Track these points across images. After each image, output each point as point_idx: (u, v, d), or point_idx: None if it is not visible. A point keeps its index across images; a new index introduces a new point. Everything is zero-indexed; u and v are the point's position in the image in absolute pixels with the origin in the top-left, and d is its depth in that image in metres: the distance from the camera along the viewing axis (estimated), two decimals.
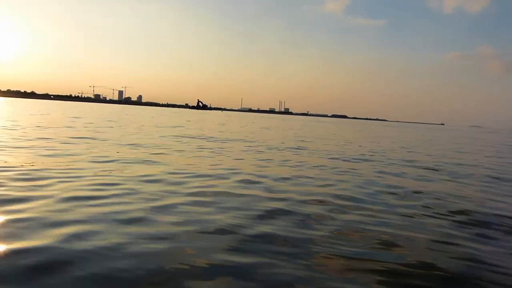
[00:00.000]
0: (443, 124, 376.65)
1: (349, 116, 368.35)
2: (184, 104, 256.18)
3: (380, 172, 8.24)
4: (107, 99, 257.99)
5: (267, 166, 8.03)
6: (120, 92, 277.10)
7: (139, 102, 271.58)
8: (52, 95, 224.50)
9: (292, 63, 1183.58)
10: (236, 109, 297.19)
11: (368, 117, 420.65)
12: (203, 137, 15.14)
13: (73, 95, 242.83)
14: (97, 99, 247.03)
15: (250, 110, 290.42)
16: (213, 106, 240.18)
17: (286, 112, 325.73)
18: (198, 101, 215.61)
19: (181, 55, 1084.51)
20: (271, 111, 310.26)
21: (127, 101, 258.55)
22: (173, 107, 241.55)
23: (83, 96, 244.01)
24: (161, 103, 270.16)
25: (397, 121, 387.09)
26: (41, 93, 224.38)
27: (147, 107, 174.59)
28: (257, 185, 5.93)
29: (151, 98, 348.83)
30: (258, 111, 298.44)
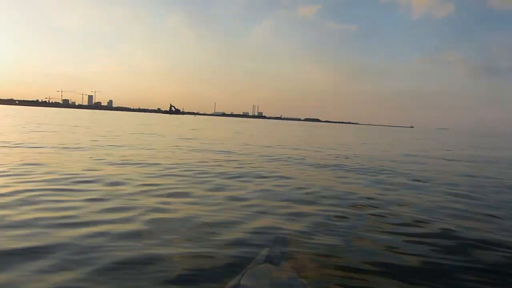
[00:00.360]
0: (413, 127, 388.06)
1: (322, 119, 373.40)
2: (156, 108, 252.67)
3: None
4: (76, 104, 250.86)
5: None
6: (90, 97, 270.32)
7: (109, 107, 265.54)
8: (17, 100, 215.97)
9: (266, 67, 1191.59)
10: (209, 113, 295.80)
11: (341, 121, 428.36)
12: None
13: (40, 100, 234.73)
14: (66, 104, 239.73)
15: (224, 115, 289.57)
16: (185, 111, 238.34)
17: (260, 116, 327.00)
18: (171, 106, 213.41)
19: (153, 59, 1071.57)
20: (245, 115, 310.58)
21: (97, 106, 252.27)
22: (145, 111, 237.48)
23: (50, 101, 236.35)
24: (132, 108, 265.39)
25: (369, 124, 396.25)
26: (5, 98, 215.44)
27: (118, 112, 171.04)
28: None
29: (122, 103, 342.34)
30: (232, 115, 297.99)
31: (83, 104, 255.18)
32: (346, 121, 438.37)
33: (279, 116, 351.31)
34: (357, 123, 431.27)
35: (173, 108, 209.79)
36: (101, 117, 53.00)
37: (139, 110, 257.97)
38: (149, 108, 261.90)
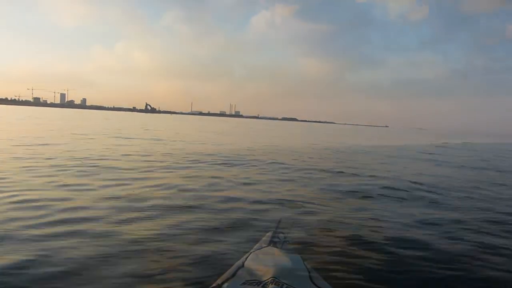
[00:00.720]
0: (387, 126, 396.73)
1: (299, 119, 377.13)
2: (131, 107, 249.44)
3: None
4: (48, 102, 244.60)
5: None
6: (62, 95, 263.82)
7: (83, 105, 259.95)
8: None
9: (243, 66, 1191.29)
10: (186, 112, 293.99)
11: (318, 120, 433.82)
12: None
13: (9, 99, 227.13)
14: (36, 102, 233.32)
15: (201, 114, 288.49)
16: (162, 110, 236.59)
17: (237, 115, 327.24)
18: (146, 105, 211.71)
19: (128, 56, 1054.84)
20: (222, 114, 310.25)
21: (70, 105, 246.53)
22: (120, 110, 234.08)
23: (20, 100, 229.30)
24: (107, 107, 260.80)
25: (344, 124, 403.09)
26: None
27: (92, 110, 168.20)
28: None
29: (96, 101, 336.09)
30: (209, 114, 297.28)
31: (55, 102, 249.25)
32: (323, 121, 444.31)
33: (256, 115, 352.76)
34: (333, 122, 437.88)
35: (148, 107, 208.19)
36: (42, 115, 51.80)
37: (113, 108, 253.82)
38: (124, 107, 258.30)
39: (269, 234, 2.84)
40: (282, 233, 2.79)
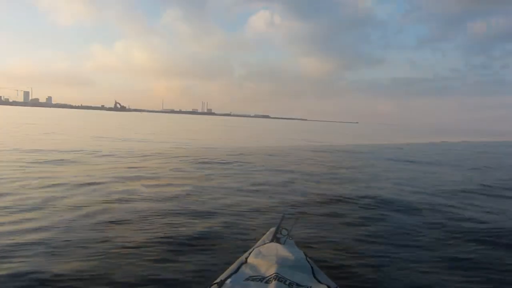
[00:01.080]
0: (357, 123, 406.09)
1: (271, 116, 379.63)
2: (100, 105, 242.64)
3: None
4: (10, 100, 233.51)
5: None
6: (26, 93, 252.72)
7: (48, 104, 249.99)
8: None
9: (220, 64, 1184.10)
10: (158, 110, 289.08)
11: (290, 117, 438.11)
12: None
13: None
14: None
15: (172, 111, 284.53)
16: (132, 108, 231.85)
17: (209, 113, 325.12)
18: (116, 103, 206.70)
19: (99, 53, 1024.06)
20: (194, 112, 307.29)
21: (34, 103, 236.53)
22: (88, 109, 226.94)
23: None
24: (74, 105, 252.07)
25: (315, 120, 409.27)
26: None
27: (57, 109, 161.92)
28: None
29: (62, 99, 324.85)
30: (180, 112, 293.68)
31: (18, 100, 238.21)
32: (295, 117, 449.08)
33: (229, 113, 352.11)
34: (305, 119, 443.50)
35: (118, 105, 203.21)
36: None
37: (81, 107, 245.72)
38: (93, 105, 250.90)
39: (272, 230, 2.82)
40: (285, 229, 2.76)
